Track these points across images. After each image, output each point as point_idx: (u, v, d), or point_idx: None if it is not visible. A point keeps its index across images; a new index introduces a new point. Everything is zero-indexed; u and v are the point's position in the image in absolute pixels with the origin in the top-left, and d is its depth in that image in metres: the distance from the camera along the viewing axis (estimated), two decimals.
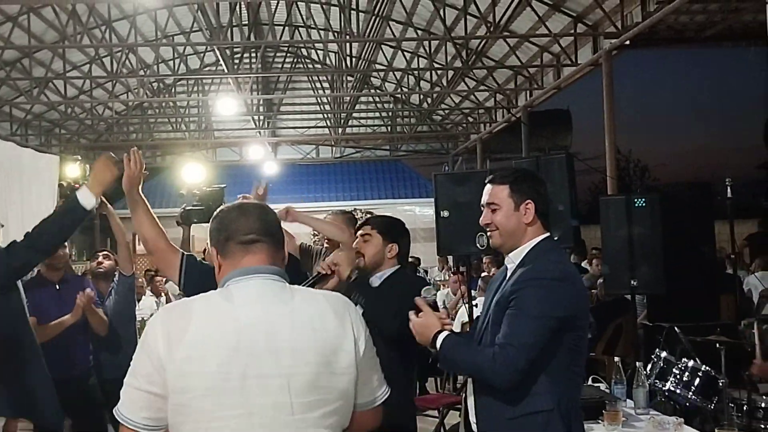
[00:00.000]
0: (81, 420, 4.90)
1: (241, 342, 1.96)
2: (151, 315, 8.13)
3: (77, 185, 5.19)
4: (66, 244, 4.83)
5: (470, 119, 20.80)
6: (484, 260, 11.00)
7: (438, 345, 2.66)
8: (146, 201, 3.35)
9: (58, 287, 5.05)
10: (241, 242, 2.09)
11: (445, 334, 2.67)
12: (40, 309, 4.73)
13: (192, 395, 1.93)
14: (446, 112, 21.22)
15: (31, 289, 4.57)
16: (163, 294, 9.41)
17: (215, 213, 2.21)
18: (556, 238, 6.12)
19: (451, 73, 16.00)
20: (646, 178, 39.30)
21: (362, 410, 2.15)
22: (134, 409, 1.98)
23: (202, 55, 19.04)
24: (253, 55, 19.40)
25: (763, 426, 4.41)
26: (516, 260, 2.74)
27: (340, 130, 21.12)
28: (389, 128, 22.22)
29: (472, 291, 7.49)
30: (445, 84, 17.06)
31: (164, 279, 9.95)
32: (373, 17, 13.75)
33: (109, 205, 5.35)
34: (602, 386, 4.25)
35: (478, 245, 4.49)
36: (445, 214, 6.01)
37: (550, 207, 5.84)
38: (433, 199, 6.51)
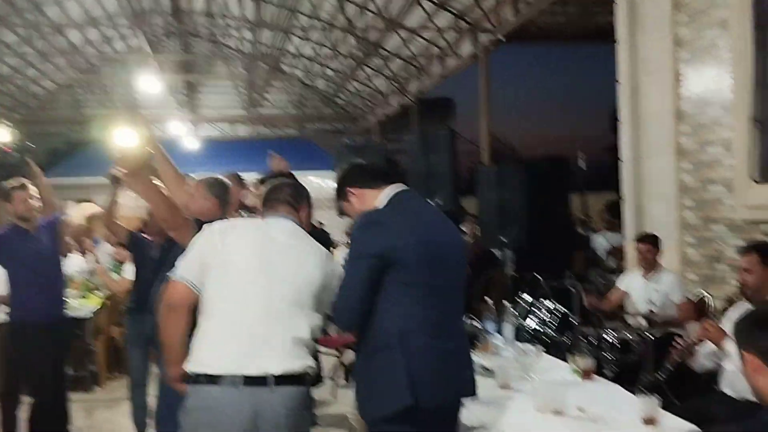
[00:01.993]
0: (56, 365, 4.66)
1: (266, 248, 2.53)
2: (79, 271, 7.76)
3: (7, 148, 4.86)
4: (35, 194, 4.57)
5: (369, 104, 20.74)
6: None
7: None
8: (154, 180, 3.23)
9: (33, 234, 4.66)
10: (273, 202, 2.75)
11: None
12: (21, 256, 4.56)
13: (230, 269, 2.48)
14: (348, 96, 21.08)
15: (10, 241, 4.50)
16: (90, 252, 8.92)
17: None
18: (440, 202, 6.19)
19: (352, 62, 15.86)
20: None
21: None
22: (188, 270, 2.50)
23: (127, 38, 18.18)
24: (174, 41, 18.69)
25: (606, 355, 4.58)
26: None
27: (254, 110, 20.67)
28: (299, 110, 21.92)
29: None
30: (347, 72, 16.90)
31: (94, 240, 9.47)
32: (283, 10, 13.44)
33: (35, 167, 5.00)
34: (476, 323, 4.31)
35: None
36: None
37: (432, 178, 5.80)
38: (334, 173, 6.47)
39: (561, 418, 2.89)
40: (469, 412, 2.64)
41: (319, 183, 20.93)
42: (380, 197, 2.62)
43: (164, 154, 3.33)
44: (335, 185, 2.81)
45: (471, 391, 2.59)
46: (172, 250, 3.08)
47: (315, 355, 2.65)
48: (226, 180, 3.63)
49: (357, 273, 2.47)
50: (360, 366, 2.58)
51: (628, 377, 4.11)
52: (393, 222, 2.51)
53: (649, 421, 2.78)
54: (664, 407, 2.89)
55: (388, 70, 16.34)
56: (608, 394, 3.29)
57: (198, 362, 2.39)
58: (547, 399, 2.96)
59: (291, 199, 2.74)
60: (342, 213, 2.86)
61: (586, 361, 3.59)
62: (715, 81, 5.77)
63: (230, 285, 2.46)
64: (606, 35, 7.57)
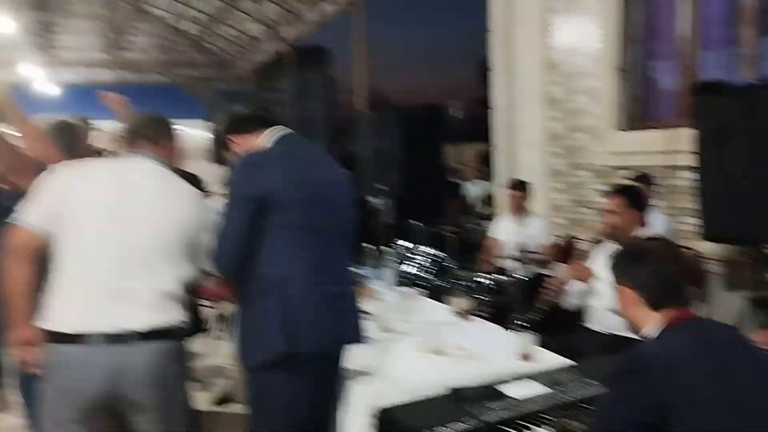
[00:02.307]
0: None
1: (122, 192, 2.30)
2: None
3: None
4: None
5: (242, 50, 19.99)
6: None
7: None
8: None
9: None
10: (130, 139, 2.49)
11: None
12: None
13: (82, 217, 2.23)
14: (220, 42, 20.21)
15: None
16: None
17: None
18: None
19: (222, 4, 15.14)
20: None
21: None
22: (31, 215, 2.26)
23: None
24: None
25: (481, 297, 4.69)
26: None
27: (117, 53, 19.39)
28: (166, 55, 20.79)
29: None
30: (216, 15, 16.14)
31: None
32: None
33: None
34: (356, 269, 4.28)
35: None
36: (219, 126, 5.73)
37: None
38: (206, 121, 6.24)
39: (442, 357, 2.93)
40: (352, 356, 2.60)
41: (190, 132, 20.26)
42: (263, 140, 2.52)
43: (11, 98, 3.03)
44: (214, 138, 2.70)
45: (356, 338, 2.54)
46: None
47: (194, 306, 2.51)
48: (73, 123, 3.36)
49: (235, 216, 2.34)
50: (239, 314, 2.47)
51: (503, 317, 4.23)
52: (271, 163, 2.41)
53: (525, 356, 2.86)
54: (541, 344, 2.98)
55: (262, 14, 15.76)
56: (486, 332, 3.37)
57: (53, 320, 2.17)
58: (428, 339, 3.00)
59: (150, 132, 2.46)
60: (223, 162, 2.74)
61: (464, 302, 3.66)
62: (583, 31, 5.95)
63: (83, 235, 2.22)
64: None
